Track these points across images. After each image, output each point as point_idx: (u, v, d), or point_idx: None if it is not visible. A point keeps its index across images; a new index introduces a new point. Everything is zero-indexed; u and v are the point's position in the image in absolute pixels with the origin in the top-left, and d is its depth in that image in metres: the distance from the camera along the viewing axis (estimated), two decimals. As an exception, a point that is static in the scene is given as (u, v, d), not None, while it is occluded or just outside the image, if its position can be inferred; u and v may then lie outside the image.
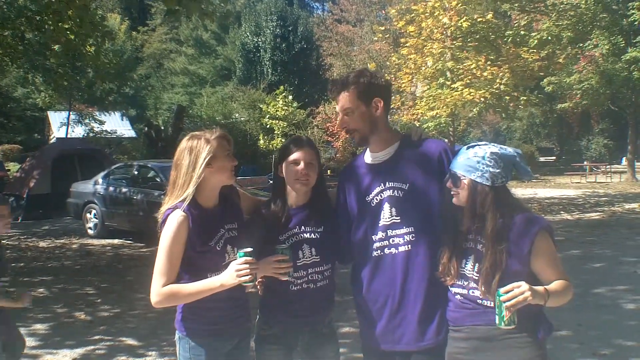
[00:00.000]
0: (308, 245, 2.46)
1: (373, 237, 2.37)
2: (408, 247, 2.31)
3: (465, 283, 2.22)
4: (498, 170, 2.18)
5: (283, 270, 2.31)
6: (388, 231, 2.34)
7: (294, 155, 2.45)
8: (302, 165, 2.44)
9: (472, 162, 2.20)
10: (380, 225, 2.36)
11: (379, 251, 2.35)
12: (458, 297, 2.24)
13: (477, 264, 2.18)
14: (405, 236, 2.32)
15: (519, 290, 2.00)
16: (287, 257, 2.32)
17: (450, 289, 2.27)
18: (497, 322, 2.05)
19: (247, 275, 2.17)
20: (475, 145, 2.26)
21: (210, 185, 2.36)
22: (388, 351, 2.38)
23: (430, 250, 2.30)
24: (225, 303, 2.34)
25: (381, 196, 2.37)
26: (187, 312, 2.37)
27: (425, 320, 2.29)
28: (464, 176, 2.20)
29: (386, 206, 2.36)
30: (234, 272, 2.18)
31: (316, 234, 2.48)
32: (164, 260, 2.24)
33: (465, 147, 2.28)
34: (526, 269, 2.14)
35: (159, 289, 2.23)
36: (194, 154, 2.28)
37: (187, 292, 2.25)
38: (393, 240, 2.33)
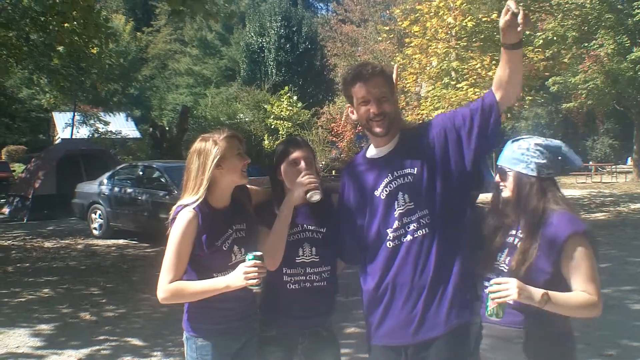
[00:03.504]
0: (309, 243, 2.44)
1: (387, 230, 2.31)
2: (425, 231, 2.26)
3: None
4: (544, 161, 2.18)
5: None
6: (404, 219, 2.29)
7: (293, 155, 2.45)
8: (302, 164, 2.43)
9: (517, 155, 2.21)
10: (395, 215, 2.30)
11: (396, 241, 2.30)
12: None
13: (509, 257, 2.17)
14: (421, 220, 2.27)
15: (505, 286, 2.00)
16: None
17: (484, 283, 2.23)
18: (486, 311, 2.07)
19: (255, 278, 2.17)
20: (520, 139, 2.27)
21: (221, 186, 2.36)
22: (400, 345, 2.30)
23: (448, 230, 2.25)
24: (234, 303, 2.33)
25: (391, 186, 2.33)
26: (193, 311, 2.36)
27: (450, 302, 2.23)
28: (510, 169, 2.22)
29: (400, 195, 2.31)
30: (242, 274, 2.18)
31: (318, 234, 2.46)
32: (172, 256, 2.25)
33: (510, 141, 2.29)
34: (553, 269, 2.09)
35: (165, 285, 2.24)
36: (203, 157, 2.30)
37: (192, 291, 2.25)
38: (409, 227, 2.28)
